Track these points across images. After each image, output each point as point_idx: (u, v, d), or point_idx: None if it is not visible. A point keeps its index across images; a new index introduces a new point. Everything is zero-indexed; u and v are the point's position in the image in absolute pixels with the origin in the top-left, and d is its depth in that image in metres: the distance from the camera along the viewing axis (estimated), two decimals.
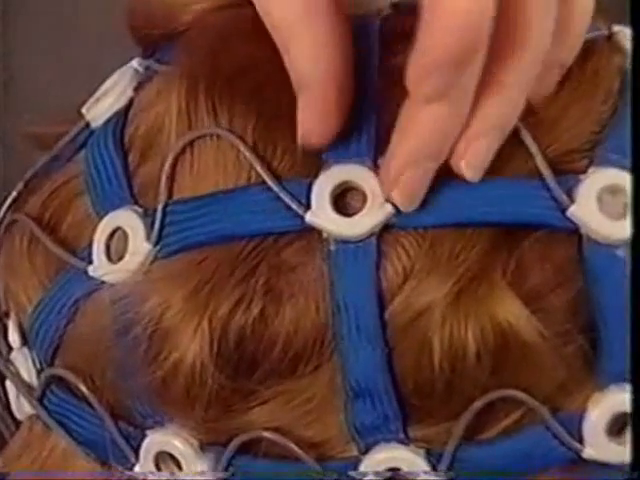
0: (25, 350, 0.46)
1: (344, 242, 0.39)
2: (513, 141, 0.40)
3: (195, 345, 0.39)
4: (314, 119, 0.39)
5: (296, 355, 0.40)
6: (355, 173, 0.40)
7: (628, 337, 0.39)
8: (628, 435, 0.39)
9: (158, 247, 0.41)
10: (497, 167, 0.40)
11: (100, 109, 0.46)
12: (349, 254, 0.39)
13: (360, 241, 0.39)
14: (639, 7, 0.39)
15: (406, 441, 0.40)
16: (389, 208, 0.39)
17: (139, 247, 0.42)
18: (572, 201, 0.40)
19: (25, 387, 0.46)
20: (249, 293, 0.39)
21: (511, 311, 0.39)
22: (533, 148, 0.40)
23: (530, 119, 0.40)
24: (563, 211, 0.40)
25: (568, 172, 0.40)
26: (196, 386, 0.40)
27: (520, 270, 0.40)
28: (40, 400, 0.46)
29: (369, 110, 0.40)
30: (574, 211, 0.40)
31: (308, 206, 0.40)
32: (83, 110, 0.46)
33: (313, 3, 0.37)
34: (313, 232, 0.40)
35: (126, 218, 0.42)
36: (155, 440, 0.43)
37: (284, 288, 0.39)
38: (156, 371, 0.40)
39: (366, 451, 0.41)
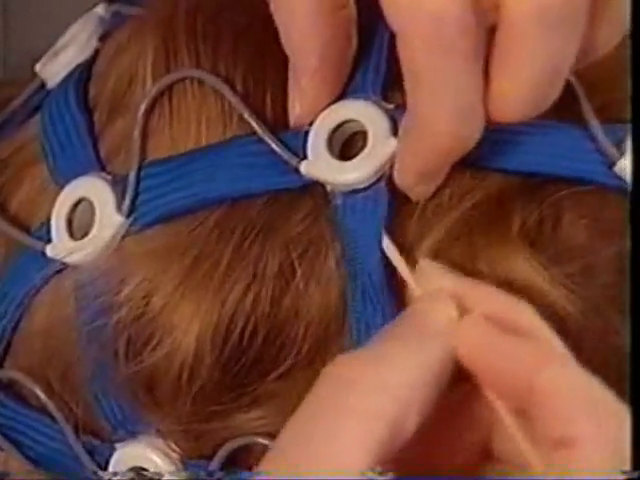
0: None
1: (351, 193, 0.35)
2: None
3: (194, 331, 0.35)
4: (303, 101, 0.35)
5: (303, 343, 0.35)
6: (355, 109, 0.35)
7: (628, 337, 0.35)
8: None
9: (131, 219, 0.37)
10: None
11: (58, 65, 0.41)
12: (357, 206, 0.35)
13: (368, 188, 0.35)
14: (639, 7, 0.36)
15: None
16: (395, 143, 0.35)
17: (108, 219, 0.37)
18: (621, 154, 0.35)
19: None
20: (259, 275, 0.35)
21: (526, 270, 0.35)
22: (579, 91, 0.36)
23: None
24: (610, 166, 0.35)
25: (617, 121, 0.36)
26: (188, 379, 0.36)
27: (544, 228, 0.35)
28: None
29: (375, 41, 0.36)
30: (624, 166, 0.35)
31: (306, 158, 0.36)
32: (37, 67, 0.42)
33: None
34: (317, 188, 0.35)
35: (92, 186, 0.38)
36: (127, 454, 0.38)
37: (295, 265, 0.35)
38: (142, 363, 0.36)
39: None
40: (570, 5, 0.30)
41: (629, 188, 0.35)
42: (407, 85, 0.32)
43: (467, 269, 0.35)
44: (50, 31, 0.41)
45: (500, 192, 0.35)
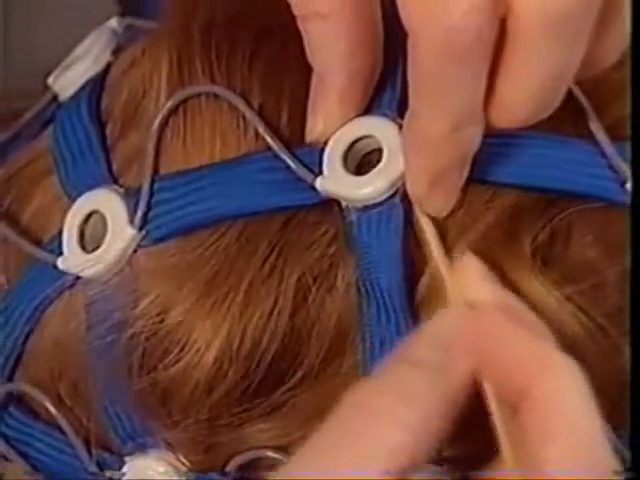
0: None
1: (366, 209, 0.35)
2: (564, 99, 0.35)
3: (214, 347, 0.35)
4: (328, 119, 0.35)
5: (315, 356, 0.35)
6: (370, 125, 0.36)
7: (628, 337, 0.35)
8: None
9: (143, 232, 0.37)
10: (546, 124, 0.35)
11: (70, 78, 0.42)
12: (372, 222, 0.35)
13: (383, 203, 0.35)
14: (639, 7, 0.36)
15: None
16: None
17: (120, 232, 0.37)
18: None
19: None
20: (281, 292, 0.35)
21: (537, 289, 0.35)
22: (587, 109, 0.36)
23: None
24: (622, 183, 0.36)
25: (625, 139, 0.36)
26: (203, 394, 0.36)
27: (555, 245, 0.36)
28: None
29: (391, 58, 0.36)
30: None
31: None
32: (49, 80, 0.42)
33: None
34: (332, 205, 0.36)
35: (104, 199, 0.38)
36: (137, 467, 0.38)
37: (310, 282, 0.35)
38: (156, 377, 0.36)
39: None
40: (575, 15, 0.30)
41: (628, 202, 0.35)
42: (410, 86, 0.32)
43: None
44: (51, 42, 0.42)
45: (514, 208, 0.35)
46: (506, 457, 0.31)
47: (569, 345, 0.34)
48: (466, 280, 0.34)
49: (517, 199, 0.35)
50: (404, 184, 0.35)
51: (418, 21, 0.30)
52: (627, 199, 0.36)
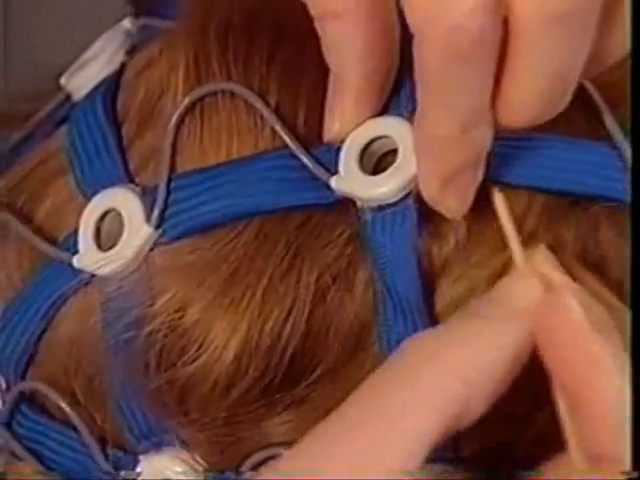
0: None
1: (381, 208, 0.35)
2: (578, 99, 0.35)
3: (234, 345, 0.35)
4: (344, 119, 0.36)
5: (334, 354, 0.36)
6: (386, 125, 0.36)
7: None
8: None
9: (160, 230, 0.37)
10: (560, 126, 0.35)
11: (84, 78, 0.42)
12: (386, 221, 0.35)
13: (397, 203, 0.35)
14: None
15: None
16: None
17: (137, 231, 0.37)
18: None
19: None
20: (300, 290, 0.35)
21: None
22: (604, 110, 0.36)
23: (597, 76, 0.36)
24: None
25: None
26: (222, 391, 0.36)
27: (589, 248, 0.36)
28: (7, 423, 0.41)
29: (406, 59, 0.36)
30: None
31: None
32: (62, 80, 0.42)
33: None
34: (349, 205, 0.36)
35: (120, 197, 0.38)
36: (152, 466, 0.38)
37: (329, 281, 0.36)
38: (175, 374, 0.36)
39: None
40: (579, 13, 0.30)
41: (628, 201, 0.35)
42: (417, 87, 0.32)
43: None
44: (52, 43, 0.42)
45: (549, 212, 0.36)
46: (576, 460, 0.32)
47: None
48: (541, 268, 0.34)
49: (546, 201, 0.36)
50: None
51: (421, 22, 0.30)
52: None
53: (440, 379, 0.31)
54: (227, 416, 0.36)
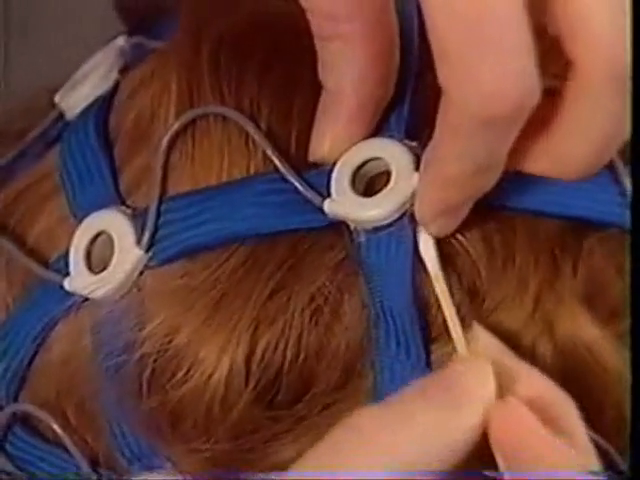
0: None
1: (374, 231, 0.35)
2: None
3: (224, 366, 0.35)
4: (334, 141, 0.35)
5: (327, 379, 0.35)
6: (379, 146, 0.36)
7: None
8: None
9: (150, 253, 0.37)
10: None
11: (77, 96, 0.41)
12: (381, 244, 0.35)
13: (391, 225, 0.35)
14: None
15: None
16: (417, 178, 0.35)
17: (127, 253, 0.37)
18: None
19: None
20: (288, 313, 0.35)
21: (586, 329, 0.35)
22: None
23: None
24: None
25: None
26: (216, 415, 0.35)
27: (582, 275, 0.35)
28: (1, 445, 0.41)
29: (399, 80, 0.36)
30: None
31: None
32: (56, 98, 0.42)
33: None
34: (341, 227, 0.36)
35: (111, 220, 0.38)
36: None
37: (321, 304, 0.35)
38: (166, 397, 0.36)
39: None
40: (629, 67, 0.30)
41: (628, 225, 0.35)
42: (438, 134, 0.31)
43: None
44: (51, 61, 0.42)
45: (544, 238, 0.35)
46: None
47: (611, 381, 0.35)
48: (489, 352, 0.33)
49: (546, 226, 0.35)
50: (413, 205, 0.35)
51: (454, 82, 0.29)
52: None
53: (376, 459, 0.30)
54: (227, 438, 0.36)
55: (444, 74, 0.29)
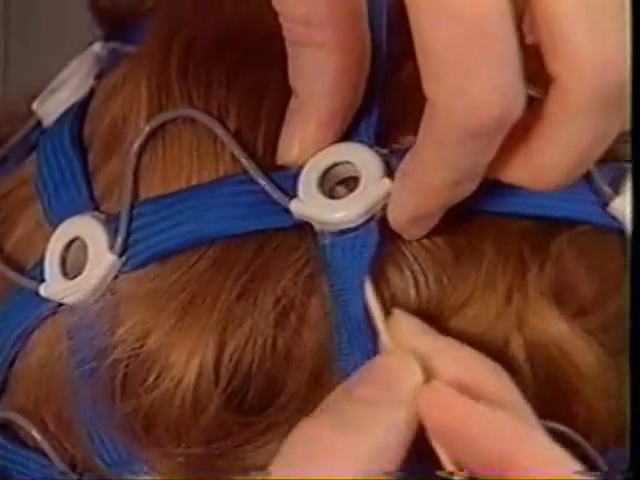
0: None
1: (340, 233, 0.35)
2: None
3: (194, 368, 0.35)
4: (303, 145, 0.35)
5: (297, 381, 0.35)
6: (348, 151, 0.35)
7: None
8: None
9: (124, 258, 0.37)
10: None
11: (54, 103, 0.42)
12: (346, 246, 0.35)
13: (357, 228, 0.35)
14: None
15: None
16: (388, 184, 0.35)
17: (101, 259, 0.37)
18: (617, 193, 0.36)
19: None
20: (255, 314, 0.35)
21: (554, 325, 0.34)
22: None
23: None
24: (604, 205, 0.36)
25: (611, 160, 0.35)
26: (193, 415, 0.35)
27: (551, 274, 0.35)
28: None
29: (372, 88, 0.36)
30: (618, 205, 0.35)
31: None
32: (34, 106, 0.42)
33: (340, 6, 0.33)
34: (308, 228, 0.35)
35: (85, 226, 0.38)
36: None
37: (287, 307, 0.35)
38: (139, 401, 0.36)
39: None
40: (621, 89, 0.30)
41: (628, 231, 0.35)
42: (421, 141, 0.31)
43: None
44: (48, 68, 0.42)
45: (513, 239, 0.35)
46: None
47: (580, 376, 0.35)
48: (400, 335, 0.33)
49: (516, 227, 0.35)
50: (382, 209, 0.35)
51: (441, 93, 0.29)
52: (610, 222, 0.35)
53: (332, 464, 0.31)
54: (199, 442, 0.36)
55: (430, 85, 0.29)
